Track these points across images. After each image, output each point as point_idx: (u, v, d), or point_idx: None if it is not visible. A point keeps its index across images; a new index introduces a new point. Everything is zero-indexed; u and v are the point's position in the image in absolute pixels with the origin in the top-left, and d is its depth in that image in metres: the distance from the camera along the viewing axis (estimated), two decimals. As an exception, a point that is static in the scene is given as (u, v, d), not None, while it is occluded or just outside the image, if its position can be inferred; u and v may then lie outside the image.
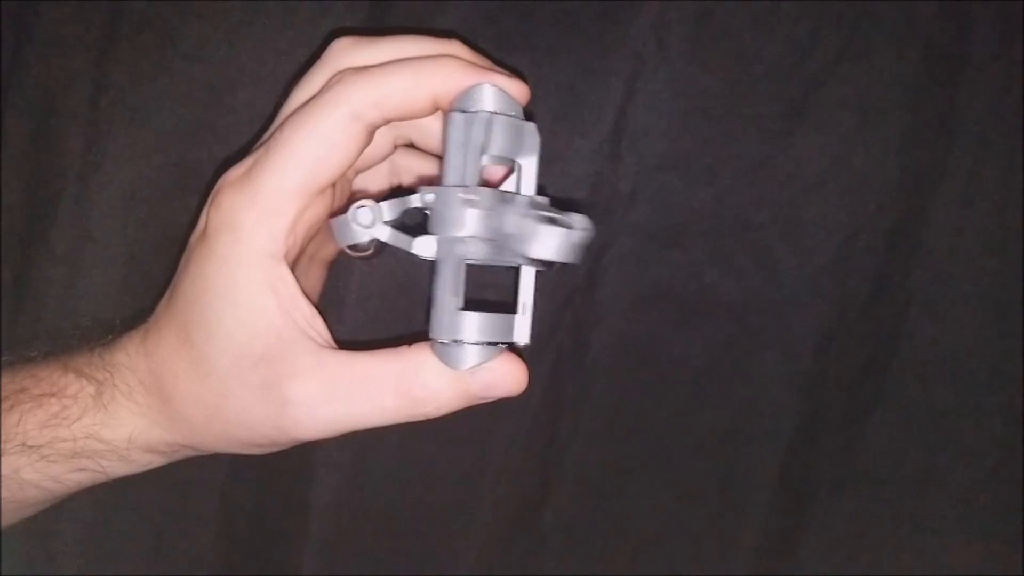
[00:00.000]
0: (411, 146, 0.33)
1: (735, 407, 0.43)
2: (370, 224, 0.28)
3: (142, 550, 0.43)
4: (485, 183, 0.30)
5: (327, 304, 0.38)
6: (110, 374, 0.30)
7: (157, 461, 0.31)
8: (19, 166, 0.40)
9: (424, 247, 0.28)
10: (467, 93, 0.28)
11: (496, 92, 0.28)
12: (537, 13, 0.40)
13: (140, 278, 0.40)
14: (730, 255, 0.42)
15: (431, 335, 0.28)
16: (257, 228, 0.27)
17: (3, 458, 0.29)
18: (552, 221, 0.27)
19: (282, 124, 0.29)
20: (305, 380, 0.28)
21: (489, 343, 0.28)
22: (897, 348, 0.43)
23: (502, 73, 0.29)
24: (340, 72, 0.29)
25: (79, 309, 0.40)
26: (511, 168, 0.30)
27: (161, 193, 0.40)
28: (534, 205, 0.28)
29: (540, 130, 0.29)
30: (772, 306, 0.42)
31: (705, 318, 0.42)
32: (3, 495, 0.29)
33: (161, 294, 0.31)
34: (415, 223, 0.29)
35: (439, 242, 0.28)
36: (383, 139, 0.31)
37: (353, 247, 0.28)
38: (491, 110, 0.28)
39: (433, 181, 0.32)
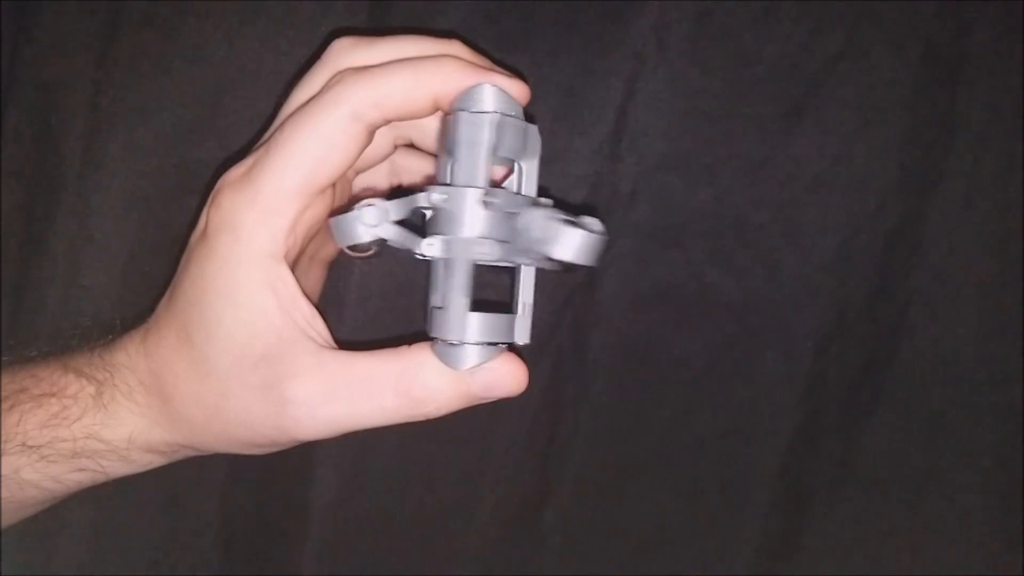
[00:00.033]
0: (411, 146, 0.33)
1: (735, 407, 0.43)
2: (377, 223, 0.27)
3: (142, 550, 0.43)
4: (494, 184, 0.30)
5: (327, 304, 0.38)
6: (110, 374, 0.30)
7: (157, 461, 0.31)
8: (19, 166, 0.40)
9: (433, 247, 0.28)
10: (467, 93, 0.28)
11: (496, 92, 0.28)
12: (537, 13, 0.40)
13: (140, 278, 0.40)
14: (730, 255, 0.42)
15: (436, 335, 0.28)
16: (257, 228, 0.27)
17: (3, 458, 0.29)
18: (573, 223, 0.27)
19: (282, 124, 0.29)
20: (305, 380, 0.28)
21: (489, 343, 0.28)
22: (897, 348, 0.43)
23: (502, 73, 0.29)
24: (340, 72, 0.29)
25: (79, 309, 0.40)
26: (510, 169, 0.30)
27: (161, 193, 0.40)
28: (542, 206, 0.28)
29: (540, 130, 0.29)
30: (772, 306, 0.42)
31: (705, 318, 0.42)
32: (3, 495, 0.29)
33: (161, 294, 0.31)
34: (412, 224, 0.29)
35: (449, 243, 0.27)
36: (383, 139, 0.31)
37: (353, 247, 0.28)
38: (491, 110, 0.28)
39: (432, 181, 0.32)
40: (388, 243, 0.28)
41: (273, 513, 0.43)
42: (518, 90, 0.29)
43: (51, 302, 0.40)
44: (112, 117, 0.39)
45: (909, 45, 0.40)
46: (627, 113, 0.40)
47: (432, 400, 0.28)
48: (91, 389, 0.30)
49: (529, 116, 0.29)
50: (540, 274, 0.30)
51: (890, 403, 0.43)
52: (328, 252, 0.35)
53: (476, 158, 0.28)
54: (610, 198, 0.41)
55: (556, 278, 0.41)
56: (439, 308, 0.28)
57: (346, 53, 0.29)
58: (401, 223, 0.28)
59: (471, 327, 0.27)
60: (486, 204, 0.27)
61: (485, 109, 0.28)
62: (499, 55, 0.32)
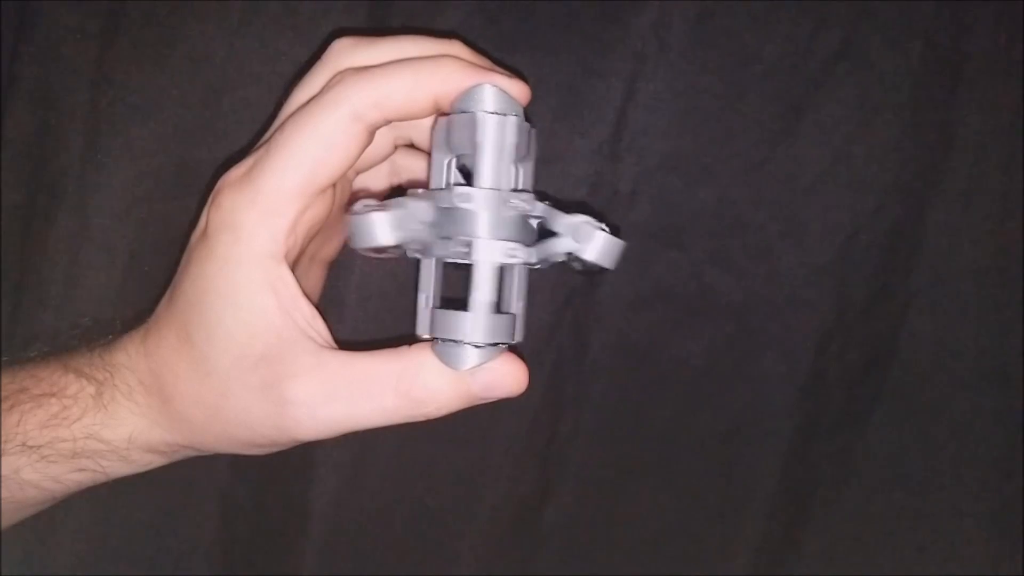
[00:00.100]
0: (411, 146, 0.33)
1: (735, 407, 0.43)
2: (403, 227, 0.27)
3: (142, 550, 0.43)
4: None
5: (327, 304, 0.38)
6: (110, 374, 0.30)
7: (157, 461, 0.31)
8: (19, 166, 0.40)
9: (467, 252, 0.27)
10: (468, 93, 0.28)
11: (497, 92, 0.28)
12: (537, 13, 0.40)
13: (140, 278, 0.40)
14: (730, 255, 0.42)
15: (438, 335, 0.28)
16: (257, 228, 0.27)
17: (3, 458, 0.29)
18: (603, 228, 0.28)
19: (282, 124, 0.29)
20: (305, 380, 0.28)
21: (490, 344, 0.28)
22: (897, 348, 0.43)
23: (503, 73, 0.29)
24: (341, 72, 0.29)
25: (79, 309, 0.40)
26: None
27: (161, 193, 0.40)
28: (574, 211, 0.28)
29: (540, 130, 0.29)
30: (772, 306, 0.42)
31: (705, 318, 0.42)
32: (3, 495, 0.29)
33: (161, 294, 0.31)
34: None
35: (481, 246, 0.27)
36: (383, 139, 0.31)
37: (379, 250, 0.27)
38: (492, 110, 0.28)
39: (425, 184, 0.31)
40: (407, 246, 0.27)
41: (273, 513, 0.43)
42: (518, 90, 0.29)
43: (51, 302, 0.40)
44: (112, 117, 0.39)
45: (909, 45, 0.40)
46: (627, 113, 0.40)
47: (432, 400, 0.28)
48: (91, 389, 0.30)
49: (527, 117, 0.29)
50: (540, 274, 0.30)
51: (890, 403, 0.43)
52: (328, 252, 0.35)
53: (502, 160, 0.27)
54: (610, 198, 0.41)
55: (556, 278, 0.41)
56: (438, 308, 0.28)
57: (346, 53, 0.29)
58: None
59: (468, 327, 0.27)
60: (517, 207, 0.27)
61: (486, 109, 0.28)
62: (499, 55, 0.32)
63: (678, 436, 0.43)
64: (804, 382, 0.43)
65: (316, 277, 0.36)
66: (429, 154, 0.30)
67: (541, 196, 0.29)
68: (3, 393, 0.30)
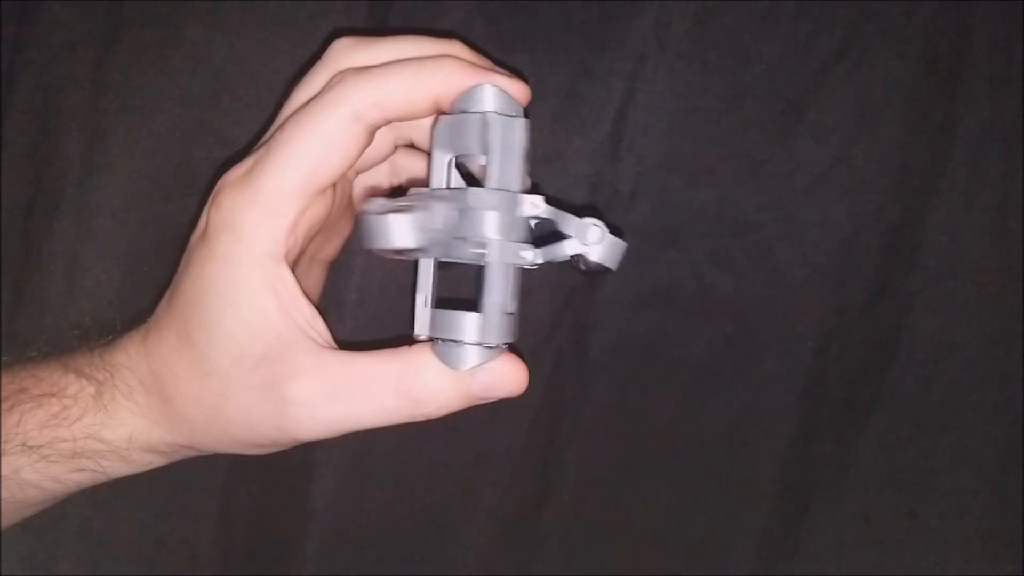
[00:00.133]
0: (411, 146, 0.33)
1: (735, 407, 0.43)
2: (421, 229, 0.26)
3: (142, 550, 0.42)
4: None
5: (327, 304, 0.38)
6: (110, 374, 0.30)
7: (157, 461, 0.31)
8: (19, 166, 0.40)
9: (483, 254, 0.27)
10: (468, 94, 0.28)
11: (497, 93, 0.28)
12: (537, 13, 0.40)
13: (140, 278, 0.40)
14: (730, 255, 0.42)
15: (439, 335, 0.28)
16: (258, 228, 0.27)
17: (3, 458, 0.29)
18: (612, 230, 0.28)
19: (282, 124, 0.29)
20: (305, 380, 0.28)
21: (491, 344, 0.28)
22: (897, 348, 0.43)
23: (503, 73, 0.29)
24: (341, 72, 0.29)
25: (79, 309, 0.40)
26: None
27: (161, 193, 0.40)
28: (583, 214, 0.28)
29: (540, 130, 0.29)
30: (772, 306, 0.42)
31: (705, 318, 0.42)
32: (3, 495, 0.29)
33: (161, 294, 0.31)
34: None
35: (496, 247, 0.27)
36: (384, 139, 0.31)
37: (397, 252, 0.27)
38: (492, 111, 0.28)
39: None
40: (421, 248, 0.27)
41: (273, 513, 0.43)
42: (519, 90, 0.29)
43: (51, 302, 0.40)
44: (112, 117, 0.39)
45: (909, 45, 0.40)
46: (627, 113, 0.40)
47: (432, 400, 0.28)
48: (91, 389, 0.30)
49: (526, 115, 0.29)
50: (540, 274, 0.30)
51: (890, 403, 0.43)
52: (328, 252, 0.35)
53: (514, 162, 0.28)
54: (610, 198, 0.41)
55: (556, 278, 0.41)
56: (438, 309, 0.28)
57: (346, 53, 0.29)
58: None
59: (468, 327, 0.27)
60: (533, 208, 0.27)
61: (487, 110, 0.28)
62: (499, 55, 0.32)
63: (678, 436, 0.43)
64: (804, 382, 0.43)
65: (316, 277, 0.36)
66: (429, 154, 0.30)
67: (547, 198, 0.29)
68: (3, 393, 0.30)
